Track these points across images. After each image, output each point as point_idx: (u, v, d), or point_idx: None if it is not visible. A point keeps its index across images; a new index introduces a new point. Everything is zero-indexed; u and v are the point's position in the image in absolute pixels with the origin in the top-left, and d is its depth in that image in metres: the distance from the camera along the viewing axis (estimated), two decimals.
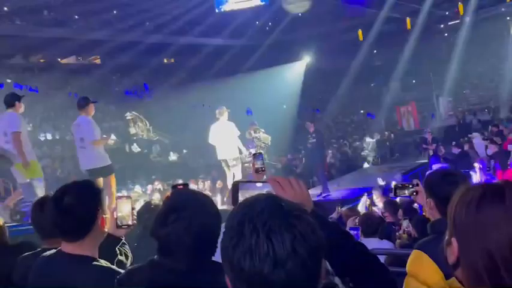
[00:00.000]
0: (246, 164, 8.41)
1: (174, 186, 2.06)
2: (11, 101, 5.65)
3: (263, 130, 9.54)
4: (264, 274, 0.90)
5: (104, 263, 1.82)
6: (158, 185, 12.57)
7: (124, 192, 11.78)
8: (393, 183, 2.65)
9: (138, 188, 12.59)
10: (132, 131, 13.59)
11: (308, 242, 0.93)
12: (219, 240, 1.07)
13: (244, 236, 0.92)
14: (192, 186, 11.51)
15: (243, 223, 0.94)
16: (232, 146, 7.65)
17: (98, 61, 24.29)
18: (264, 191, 1.27)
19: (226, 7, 21.38)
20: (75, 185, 1.91)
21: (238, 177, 7.49)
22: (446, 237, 1.01)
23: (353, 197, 8.20)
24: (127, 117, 11.59)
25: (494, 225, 0.91)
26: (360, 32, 23.10)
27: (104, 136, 6.73)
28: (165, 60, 25.69)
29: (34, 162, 5.75)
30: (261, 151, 6.75)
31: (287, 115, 21.45)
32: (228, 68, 22.37)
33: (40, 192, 5.45)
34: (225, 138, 7.62)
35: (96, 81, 19.82)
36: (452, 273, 1.04)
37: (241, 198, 1.25)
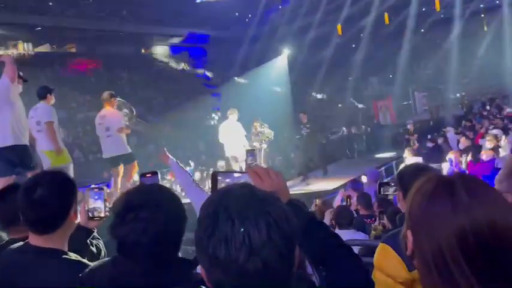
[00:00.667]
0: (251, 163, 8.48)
1: (143, 175, 2.01)
2: (44, 93, 6.03)
3: (267, 125, 9.98)
4: (239, 263, 0.89)
5: (73, 256, 1.75)
6: (135, 177, 12.39)
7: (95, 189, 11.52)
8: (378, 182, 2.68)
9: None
10: None
11: (283, 230, 0.92)
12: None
13: (219, 225, 0.91)
14: (170, 178, 11.43)
15: (218, 212, 0.93)
16: (241, 144, 8.21)
17: (73, 50, 23.72)
18: (242, 181, 1.26)
19: None
20: (48, 175, 1.81)
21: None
22: (403, 230, 1.02)
23: (330, 189, 8.30)
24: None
25: (443, 218, 0.91)
26: (339, 26, 23.24)
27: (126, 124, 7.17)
28: (143, 51, 25.32)
29: (64, 149, 6.21)
30: (254, 148, 7.33)
31: (282, 110, 21.15)
32: (210, 60, 22.23)
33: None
34: (235, 136, 8.26)
35: (72, 70, 19.39)
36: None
37: None
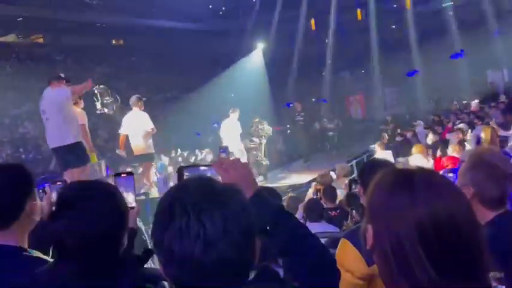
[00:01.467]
0: (254, 152, 9.80)
1: (117, 174, 1.94)
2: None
3: (266, 122, 10.55)
4: (195, 256, 0.88)
5: (34, 253, 1.68)
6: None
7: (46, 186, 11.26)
8: (347, 180, 2.71)
9: None
10: (98, 106, 12.95)
11: (240, 222, 0.92)
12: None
13: (175, 218, 0.90)
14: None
15: (174, 205, 0.92)
16: (238, 141, 9.08)
17: (40, 40, 22.93)
18: (208, 175, 1.26)
19: None
20: (1, 168, 1.76)
21: None
22: (363, 224, 1.02)
23: (303, 182, 8.36)
24: (95, 91, 11.26)
25: (402, 211, 0.91)
26: (312, 21, 23.37)
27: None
28: (114, 42, 24.74)
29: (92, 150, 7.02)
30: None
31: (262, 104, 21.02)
32: (181, 52, 21.89)
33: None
34: (233, 134, 9.02)
35: (39, 62, 18.75)
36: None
37: None
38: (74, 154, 6.06)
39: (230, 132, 9.16)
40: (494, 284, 1.59)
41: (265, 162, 9.84)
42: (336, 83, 23.52)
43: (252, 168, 10.17)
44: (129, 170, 8.28)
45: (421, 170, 0.98)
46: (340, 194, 5.81)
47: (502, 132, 7.26)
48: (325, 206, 5.15)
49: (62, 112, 6.07)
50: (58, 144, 6.10)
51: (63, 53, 21.72)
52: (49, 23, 18.79)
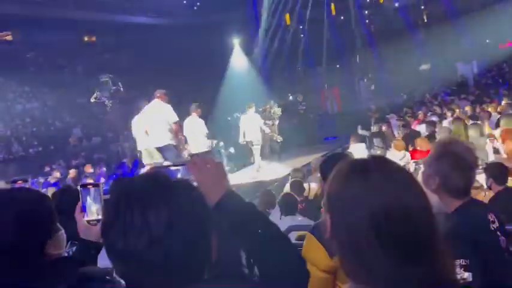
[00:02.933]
0: (269, 134, 11.00)
1: (84, 185, 1.80)
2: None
3: (276, 105, 12.01)
4: (139, 253, 0.85)
5: None
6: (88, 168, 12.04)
7: (41, 179, 11.04)
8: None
9: (56, 174, 11.87)
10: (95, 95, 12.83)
11: (188, 216, 0.89)
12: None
13: (120, 214, 0.88)
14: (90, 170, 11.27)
15: (119, 201, 0.90)
16: (256, 132, 9.94)
17: (9, 37, 22.24)
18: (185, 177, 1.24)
19: None
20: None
21: (258, 154, 10.05)
22: (323, 215, 1.03)
23: (280, 177, 8.39)
24: (101, 80, 11.52)
25: (356, 200, 0.91)
26: (287, 15, 23.40)
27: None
28: (86, 38, 24.19)
29: None
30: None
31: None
32: (156, 49, 21.57)
33: None
34: (251, 126, 9.95)
35: (8, 60, 18.19)
36: None
37: None
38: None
39: (250, 125, 10.07)
40: (460, 271, 1.63)
41: (280, 139, 11.15)
42: (311, 77, 23.68)
43: (264, 148, 10.59)
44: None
45: (376, 160, 0.97)
46: (316, 187, 5.88)
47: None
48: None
49: None
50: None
51: (33, 50, 21.15)
52: (18, 19, 18.22)
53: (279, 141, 11.14)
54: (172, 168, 1.35)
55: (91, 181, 7.03)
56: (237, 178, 9.57)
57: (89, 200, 1.56)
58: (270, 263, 1.17)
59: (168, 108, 7.22)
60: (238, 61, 23.50)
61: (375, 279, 0.89)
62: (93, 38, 24.43)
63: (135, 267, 0.87)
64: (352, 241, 0.91)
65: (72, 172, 11.60)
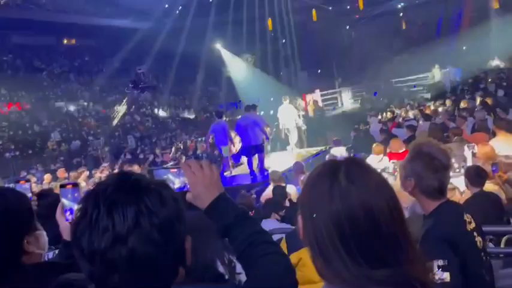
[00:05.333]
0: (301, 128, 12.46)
1: (62, 186, 1.80)
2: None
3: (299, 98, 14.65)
4: (102, 251, 0.85)
5: None
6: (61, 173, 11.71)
7: (11, 184, 10.74)
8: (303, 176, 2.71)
9: (32, 179, 11.56)
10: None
11: (156, 216, 0.89)
12: None
13: (87, 212, 0.88)
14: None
15: (88, 199, 0.90)
16: (292, 120, 11.52)
17: None
18: (181, 178, 1.27)
19: None
20: None
21: (294, 138, 11.63)
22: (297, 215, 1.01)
23: (259, 182, 8.38)
24: (138, 71, 12.36)
25: (322, 203, 0.91)
26: (269, 21, 23.53)
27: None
28: (65, 41, 23.85)
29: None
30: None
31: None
32: (136, 52, 21.39)
33: None
34: (288, 115, 11.48)
35: None
36: None
37: None
38: None
39: (286, 114, 11.50)
40: (439, 271, 1.64)
41: (304, 127, 12.61)
42: (293, 81, 23.83)
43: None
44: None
45: (346, 163, 0.97)
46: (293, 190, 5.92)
47: None
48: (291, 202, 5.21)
49: None
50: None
51: (11, 53, 20.72)
52: None
53: (303, 128, 12.62)
54: (172, 170, 1.35)
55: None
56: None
57: (69, 199, 1.53)
58: (259, 267, 1.17)
59: None
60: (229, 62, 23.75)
61: (344, 280, 0.89)
62: (73, 41, 24.11)
63: (99, 266, 0.87)
64: (320, 244, 0.91)
65: (47, 177, 11.31)
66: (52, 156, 16.16)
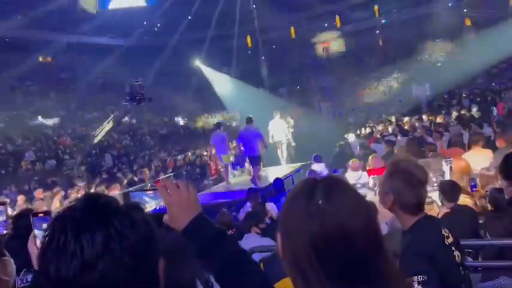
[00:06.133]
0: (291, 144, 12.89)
1: (35, 214, 1.72)
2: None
3: (289, 116, 14.31)
4: (71, 277, 0.82)
5: None
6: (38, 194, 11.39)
7: None
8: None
9: (5, 200, 11.17)
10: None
11: (126, 239, 0.86)
12: None
13: (53, 238, 0.85)
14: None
15: (55, 224, 0.87)
16: (282, 134, 12.01)
17: None
18: (157, 201, 1.25)
19: (111, 5, 20.40)
20: None
21: (285, 150, 12.17)
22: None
23: (238, 199, 8.29)
24: (136, 82, 12.63)
25: (298, 223, 0.91)
26: (248, 38, 23.77)
27: None
28: (41, 59, 23.50)
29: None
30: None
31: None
32: (116, 69, 21.23)
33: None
34: (278, 129, 11.97)
35: None
36: None
37: None
38: None
39: (277, 128, 12.03)
40: (418, 287, 1.63)
41: (294, 144, 12.91)
42: (273, 98, 24.02)
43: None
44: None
45: (326, 180, 0.96)
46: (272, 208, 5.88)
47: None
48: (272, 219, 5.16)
49: None
50: None
51: None
52: None
53: (293, 144, 13.02)
54: (148, 192, 1.33)
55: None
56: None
57: (41, 228, 1.48)
58: (238, 287, 1.16)
59: None
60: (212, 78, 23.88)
61: None
62: (49, 58, 23.77)
63: None
64: (297, 263, 0.90)
65: (21, 198, 10.96)
66: (26, 176, 15.72)
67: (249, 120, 10.02)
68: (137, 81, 10.57)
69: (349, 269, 0.88)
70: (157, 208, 1.25)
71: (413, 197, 1.80)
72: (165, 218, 1.19)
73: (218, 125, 10.83)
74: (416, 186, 1.81)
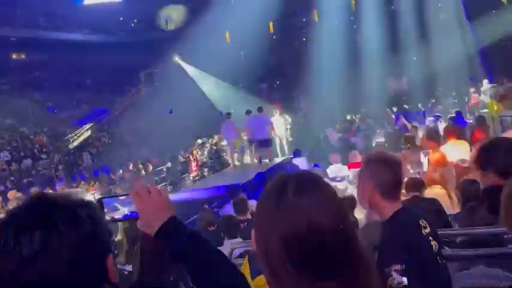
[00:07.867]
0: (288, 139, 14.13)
1: None
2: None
3: (287, 115, 15.23)
4: (11, 275, 0.84)
5: None
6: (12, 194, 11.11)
7: None
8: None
9: None
10: None
11: (67, 237, 0.88)
12: None
13: None
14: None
15: (1, 225, 0.90)
16: (282, 130, 13.27)
17: None
18: (129, 207, 1.27)
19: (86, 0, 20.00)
20: None
21: (285, 145, 13.38)
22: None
23: (218, 195, 8.27)
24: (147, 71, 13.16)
25: (269, 220, 0.91)
26: (227, 34, 23.61)
27: None
28: (14, 56, 22.90)
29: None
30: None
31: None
32: (91, 66, 20.83)
33: None
34: (278, 124, 12.87)
35: None
36: None
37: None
38: None
39: (277, 124, 12.68)
40: (396, 275, 1.66)
41: (290, 139, 14.03)
42: (253, 93, 23.99)
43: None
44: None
45: (298, 176, 0.95)
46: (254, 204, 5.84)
47: None
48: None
49: None
50: None
51: None
52: None
53: (290, 140, 14.09)
54: (121, 198, 1.35)
55: None
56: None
57: None
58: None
59: None
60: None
61: None
62: (23, 55, 23.17)
63: None
64: (270, 260, 0.90)
65: None
66: (1, 176, 15.33)
67: (260, 109, 11.51)
68: (156, 69, 12.14)
69: (320, 265, 0.87)
70: (129, 214, 1.27)
71: (392, 175, 1.84)
72: (138, 223, 1.19)
73: (228, 115, 12.20)
74: (392, 165, 1.86)
